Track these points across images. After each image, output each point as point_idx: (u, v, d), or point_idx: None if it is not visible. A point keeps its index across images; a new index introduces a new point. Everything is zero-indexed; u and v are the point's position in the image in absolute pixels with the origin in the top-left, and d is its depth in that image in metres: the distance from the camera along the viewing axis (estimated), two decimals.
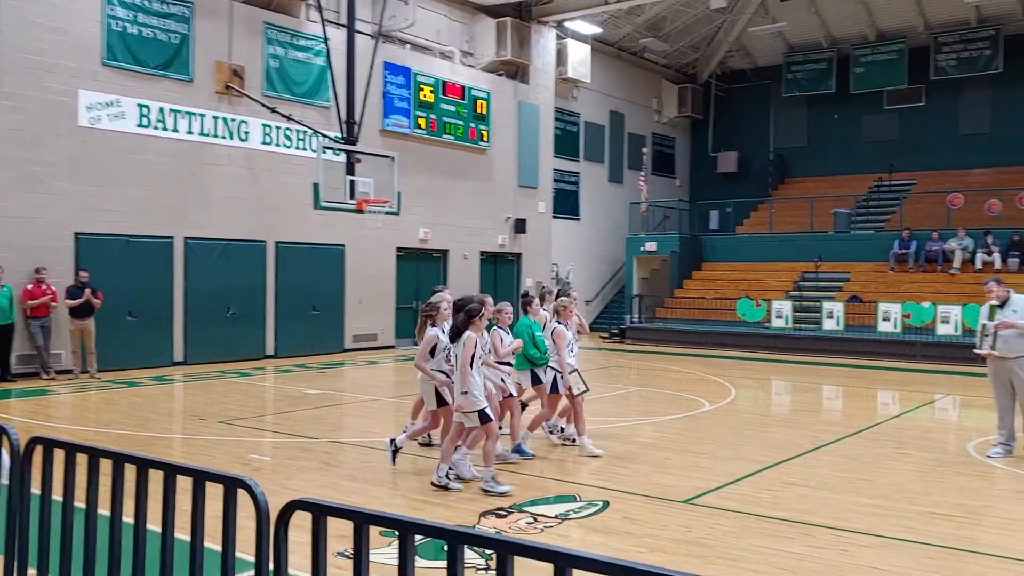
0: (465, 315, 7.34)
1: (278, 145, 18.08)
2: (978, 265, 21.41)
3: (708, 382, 15.45)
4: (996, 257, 21.36)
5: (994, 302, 8.87)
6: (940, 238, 22.44)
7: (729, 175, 31.32)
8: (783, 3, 26.52)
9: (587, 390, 9.11)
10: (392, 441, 8.37)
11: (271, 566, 2.98)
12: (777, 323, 21.74)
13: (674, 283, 25.75)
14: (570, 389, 8.88)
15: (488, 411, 7.37)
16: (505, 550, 2.36)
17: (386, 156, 16.91)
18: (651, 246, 26.36)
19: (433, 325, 8.00)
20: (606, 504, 6.93)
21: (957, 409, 13.24)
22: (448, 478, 7.43)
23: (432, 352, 7.86)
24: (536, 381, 8.92)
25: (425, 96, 21.09)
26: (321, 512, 2.86)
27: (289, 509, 2.96)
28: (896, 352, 19.58)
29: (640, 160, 28.03)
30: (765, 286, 24.06)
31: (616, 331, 24.50)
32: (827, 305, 21.20)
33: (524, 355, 8.70)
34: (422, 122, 20.99)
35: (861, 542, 6.02)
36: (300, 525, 2.96)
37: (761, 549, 5.81)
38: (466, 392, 7.23)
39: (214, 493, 3.25)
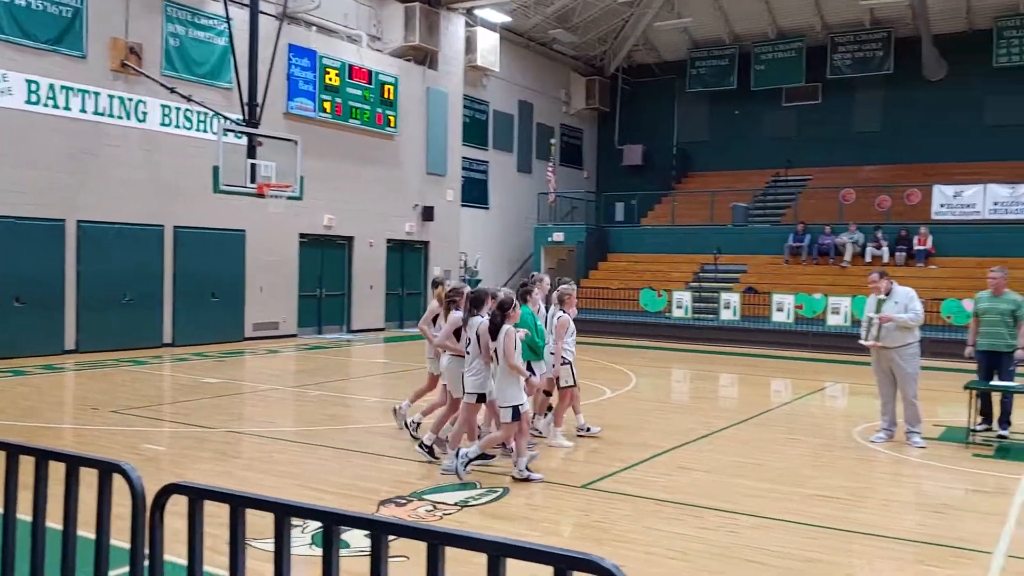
0: (499, 308, 7.29)
1: (177, 127, 17.52)
2: (868, 259, 22.36)
3: (611, 370, 15.73)
4: (885, 251, 22.36)
5: (880, 295, 9.30)
6: (833, 232, 23.35)
7: (634, 168, 31.85)
8: None
9: (575, 385, 8.97)
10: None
11: (147, 551, 2.92)
12: (677, 313, 22.27)
13: (580, 273, 26.08)
14: (557, 380, 8.83)
15: (521, 408, 7.28)
16: (381, 531, 2.36)
17: (289, 140, 16.59)
18: (558, 236, 26.64)
19: (457, 309, 7.96)
20: (506, 491, 7.00)
21: (845, 397, 13.82)
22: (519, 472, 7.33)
23: (456, 335, 7.89)
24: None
25: (331, 80, 20.78)
26: (198, 496, 2.81)
27: (165, 493, 2.90)
28: (789, 342, 20.31)
29: (548, 150, 28.27)
30: (667, 277, 24.61)
31: None
32: (725, 296, 21.81)
33: (529, 345, 8.10)
34: (327, 106, 20.67)
35: (749, 524, 6.24)
36: (215, 515, 2.91)
37: (654, 531, 5.97)
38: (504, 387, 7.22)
39: (92, 481, 3.16)
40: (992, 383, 9.57)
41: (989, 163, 25.31)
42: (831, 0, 27.00)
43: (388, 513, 6.33)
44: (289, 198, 16.48)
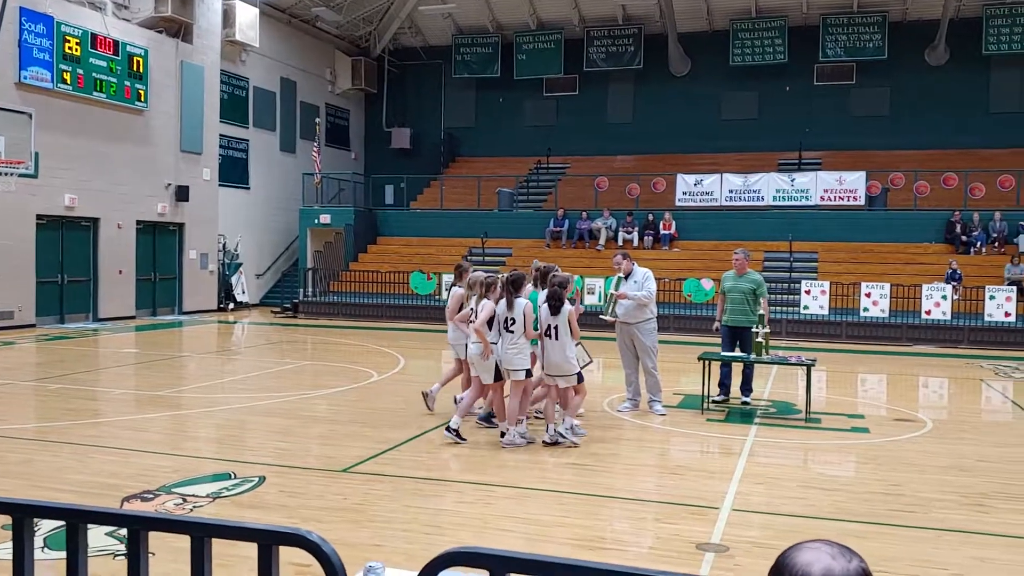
0: (560, 287, 8.21)
1: None
2: (620, 242, 23.75)
3: (380, 354, 15.71)
4: (635, 235, 23.87)
5: (620, 274, 9.96)
6: (588, 217, 24.58)
7: (403, 151, 31.86)
8: None
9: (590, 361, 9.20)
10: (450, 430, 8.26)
11: None
12: (446, 296, 22.53)
13: (349, 256, 25.78)
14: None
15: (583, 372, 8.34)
16: (139, 526, 2.23)
17: (21, 112, 15.14)
18: (325, 218, 26.14)
19: (490, 298, 8.27)
20: (262, 479, 6.83)
21: (600, 371, 14.63)
22: (560, 433, 8.13)
23: (489, 324, 8.18)
24: None
25: (71, 49, 19.10)
26: None
27: None
28: None
29: (313, 130, 27.60)
30: (437, 260, 24.86)
31: (288, 305, 24.04)
32: None
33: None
34: (67, 77, 18.99)
35: (504, 494, 6.49)
36: None
37: (413, 509, 6.06)
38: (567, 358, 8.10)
39: None
40: (723, 354, 10.50)
41: (725, 154, 27.67)
42: None
43: (133, 508, 5.98)
44: (22, 175, 15.04)
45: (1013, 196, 22.71)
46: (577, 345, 8.91)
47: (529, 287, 8.63)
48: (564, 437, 8.13)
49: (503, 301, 8.19)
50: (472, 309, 8.64)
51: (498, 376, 8.32)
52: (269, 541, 1.54)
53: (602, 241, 24.03)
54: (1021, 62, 26.20)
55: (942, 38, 25.92)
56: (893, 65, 26.72)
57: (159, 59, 21.64)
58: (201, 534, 1.58)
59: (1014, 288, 18.97)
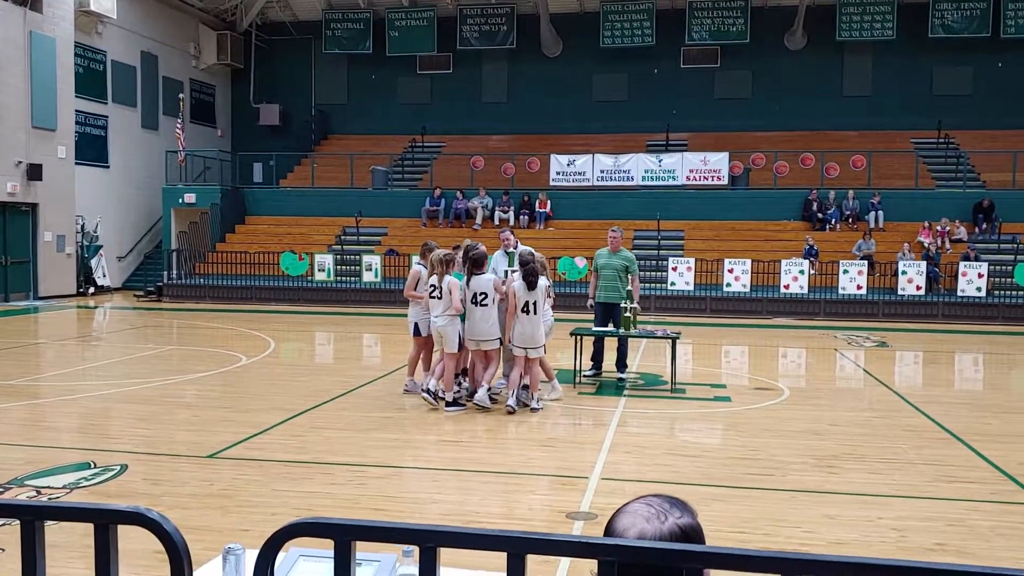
0: (541, 265, 8.97)
1: None
2: (496, 221, 23.88)
3: (249, 337, 15.31)
4: (511, 214, 24.04)
5: (509, 249, 10.07)
6: (465, 197, 24.59)
7: (273, 128, 30.95)
8: None
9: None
10: (429, 392, 8.85)
11: None
12: (320, 276, 22.18)
13: (216, 237, 24.95)
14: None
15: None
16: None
17: None
18: (190, 198, 25.19)
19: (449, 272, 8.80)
20: (124, 467, 6.56)
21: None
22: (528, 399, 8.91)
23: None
24: None
25: None
26: None
27: None
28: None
29: (177, 106, 26.46)
30: (309, 240, 24.38)
31: (152, 288, 23.07)
32: (367, 258, 22.11)
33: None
34: None
35: (377, 474, 6.46)
36: None
37: (282, 493, 5.96)
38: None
39: None
40: (595, 329, 10.73)
41: (597, 135, 28.16)
42: None
43: None
44: None
45: (864, 175, 24.06)
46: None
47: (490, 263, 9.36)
48: (536, 406, 8.85)
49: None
50: (434, 286, 8.90)
51: (460, 345, 8.83)
52: (105, 520, 1.48)
53: (479, 220, 24.09)
54: (871, 48, 27.72)
55: (800, 23, 27.10)
56: (755, 49, 27.76)
57: (5, 29, 20.27)
58: (30, 517, 1.50)
59: (865, 263, 20.14)
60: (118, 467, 6.57)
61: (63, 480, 6.23)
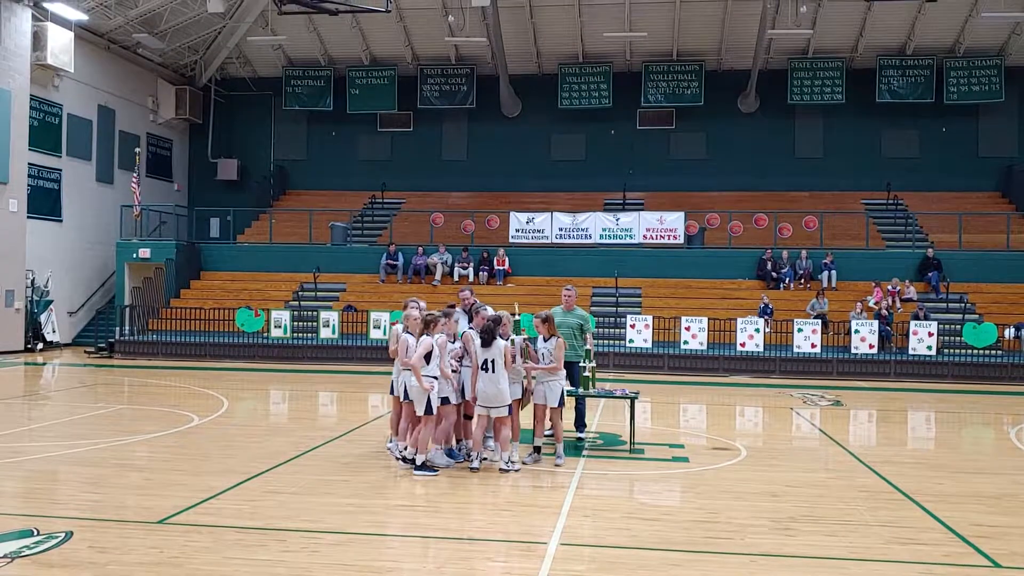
0: (494, 323, 8.81)
1: None
2: (456, 278, 23.91)
3: (202, 396, 15.04)
4: (470, 271, 24.08)
5: (467, 307, 10.09)
6: (424, 253, 24.61)
7: (230, 183, 30.84)
8: (282, 17, 26.79)
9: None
10: (404, 459, 8.83)
11: None
12: (276, 333, 21.92)
13: (170, 292, 24.61)
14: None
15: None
16: None
17: None
18: (145, 252, 24.88)
19: (428, 334, 8.63)
20: (69, 534, 6.35)
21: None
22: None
23: (427, 358, 8.56)
24: None
25: None
26: None
27: None
28: (386, 357, 20.91)
29: (133, 160, 26.26)
30: (265, 296, 24.16)
31: (103, 345, 22.60)
32: (324, 314, 21.93)
33: None
34: None
35: (331, 540, 6.32)
36: None
37: (234, 561, 5.80)
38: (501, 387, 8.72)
39: None
40: None
41: (555, 193, 28.51)
42: (421, 34, 28.53)
43: None
44: None
45: (817, 236, 24.58)
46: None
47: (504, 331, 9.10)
48: (505, 467, 8.85)
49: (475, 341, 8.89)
50: (411, 348, 8.78)
51: (429, 409, 8.59)
52: None
53: (438, 276, 24.10)
54: (821, 112, 28.55)
55: (753, 87, 27.85)
56: (709, 111, 28.44)
57: None
58: None
59: (819, 321, 20.45)
60: (63, 534, 6.36)
61: (3, 549, 6.00)
